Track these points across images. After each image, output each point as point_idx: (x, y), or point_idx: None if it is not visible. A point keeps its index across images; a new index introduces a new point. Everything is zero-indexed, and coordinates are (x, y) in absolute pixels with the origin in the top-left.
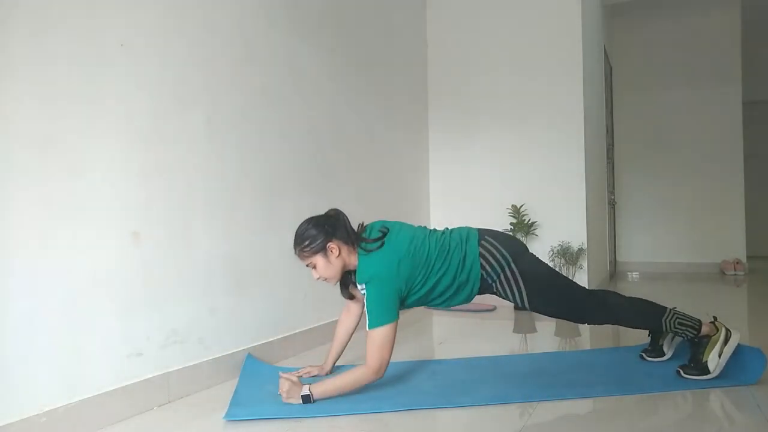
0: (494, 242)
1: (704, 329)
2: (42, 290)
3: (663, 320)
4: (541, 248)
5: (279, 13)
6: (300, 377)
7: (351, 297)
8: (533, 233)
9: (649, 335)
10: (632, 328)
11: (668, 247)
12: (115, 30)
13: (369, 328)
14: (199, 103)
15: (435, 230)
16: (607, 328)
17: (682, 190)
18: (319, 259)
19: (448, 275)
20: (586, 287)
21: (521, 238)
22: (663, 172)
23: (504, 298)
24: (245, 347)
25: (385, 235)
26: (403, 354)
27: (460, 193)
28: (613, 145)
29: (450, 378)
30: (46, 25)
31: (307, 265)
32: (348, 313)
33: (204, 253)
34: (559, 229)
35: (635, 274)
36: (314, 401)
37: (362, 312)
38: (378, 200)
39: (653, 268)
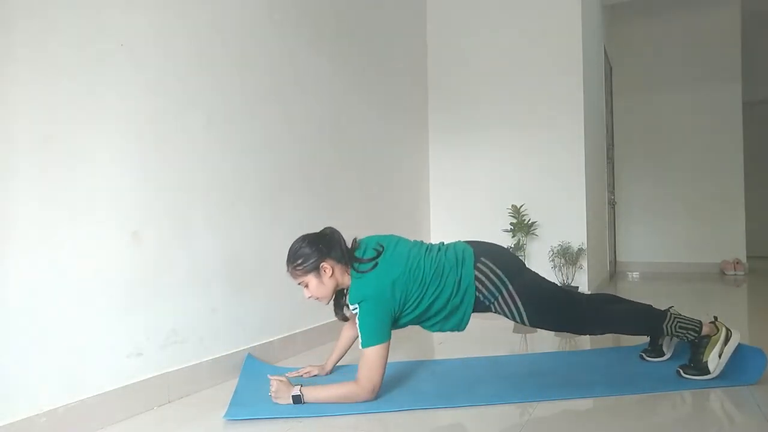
0: (490, 264)
1: (704, 329)
2: (42, 290)
3: (664, 326)
4: (541, 248)
5: (280, 14)
6: (300, 375)
7: (345, 318)
8: (533, 233)
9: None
10: (634, 335)
11: (668, 247)
12: (115, 30)
13: (362, 347)
14: (199, 103)
15: (430, 247)
16: None
17: (682, 190)
18: (311, 279)
19: (443, 297)
20: (586, 296)
21: (521, 238)
22: (663, 172)
23: (504, 316)
24: (245, 347)
25: (379, 254)
26: (403, 354)
27: (460, 193)
28: (613, 145)
29: (450, 378)
30: (46, 25)
31: (299, 284)
32: (354, 321)
33: (204, 253)
34: (559, 229)
35: (635, 274)
36: (304, 402)
37: None
38: (378, 200)
39: (653, 268)
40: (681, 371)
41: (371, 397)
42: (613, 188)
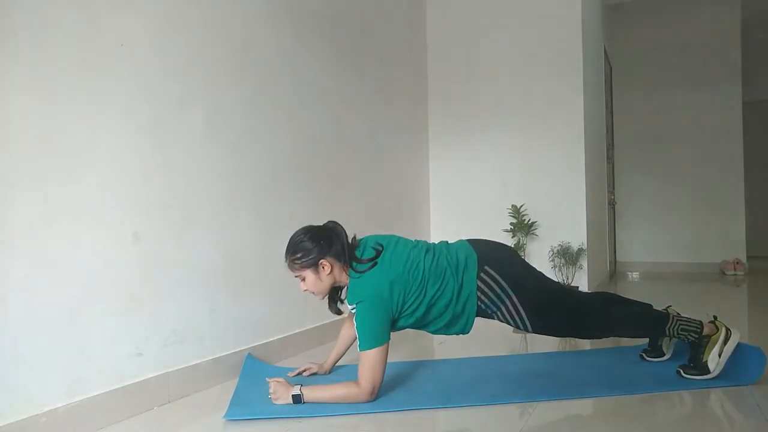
0: (494, 274)
1: (705, 329)
2: (42, 290)
3: (666, 329)
4: (541, 248)
5: (279, 15)
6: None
7: (338, 312)
8: (533, 233)
9: None
10: (636, 338)
11: (668, 247)
12: (115, 30)
13: (360, 349)
14: (199, 103)
15: (431, 248)
16: None
17: (682, 190)
18: (309, 274)
19: (442, 301)
20: (590, 299)
21: (521, 238)
22: (663, 172)
23: (506, 324)
24: (245, 347)
25: (378, 254)
26: (403, 354)
27: (460, 193)
28: (613, 145)
29: (450, 378)
30: (46, 25)
31: (296, 276)
32: (352, 321)
33: (204, 253)
34: (559, 229)
35: (635, 274)
36: (304, 402)
37: None
38: (378, 200)
39: (653, 268)
40: (681, 371)
41: (371, 399)
42: (613, 188)
